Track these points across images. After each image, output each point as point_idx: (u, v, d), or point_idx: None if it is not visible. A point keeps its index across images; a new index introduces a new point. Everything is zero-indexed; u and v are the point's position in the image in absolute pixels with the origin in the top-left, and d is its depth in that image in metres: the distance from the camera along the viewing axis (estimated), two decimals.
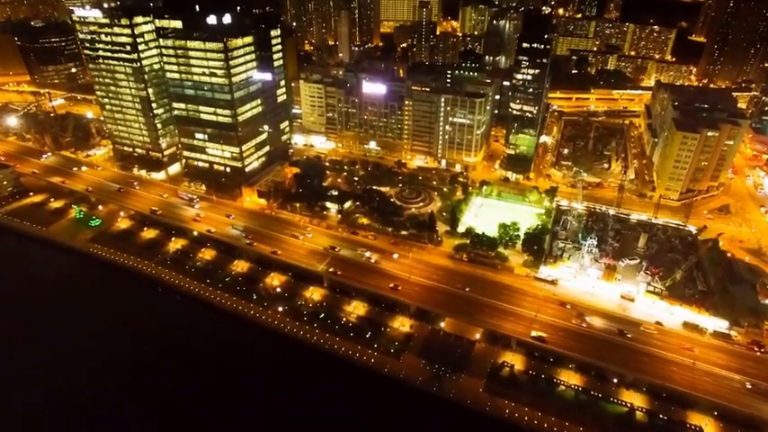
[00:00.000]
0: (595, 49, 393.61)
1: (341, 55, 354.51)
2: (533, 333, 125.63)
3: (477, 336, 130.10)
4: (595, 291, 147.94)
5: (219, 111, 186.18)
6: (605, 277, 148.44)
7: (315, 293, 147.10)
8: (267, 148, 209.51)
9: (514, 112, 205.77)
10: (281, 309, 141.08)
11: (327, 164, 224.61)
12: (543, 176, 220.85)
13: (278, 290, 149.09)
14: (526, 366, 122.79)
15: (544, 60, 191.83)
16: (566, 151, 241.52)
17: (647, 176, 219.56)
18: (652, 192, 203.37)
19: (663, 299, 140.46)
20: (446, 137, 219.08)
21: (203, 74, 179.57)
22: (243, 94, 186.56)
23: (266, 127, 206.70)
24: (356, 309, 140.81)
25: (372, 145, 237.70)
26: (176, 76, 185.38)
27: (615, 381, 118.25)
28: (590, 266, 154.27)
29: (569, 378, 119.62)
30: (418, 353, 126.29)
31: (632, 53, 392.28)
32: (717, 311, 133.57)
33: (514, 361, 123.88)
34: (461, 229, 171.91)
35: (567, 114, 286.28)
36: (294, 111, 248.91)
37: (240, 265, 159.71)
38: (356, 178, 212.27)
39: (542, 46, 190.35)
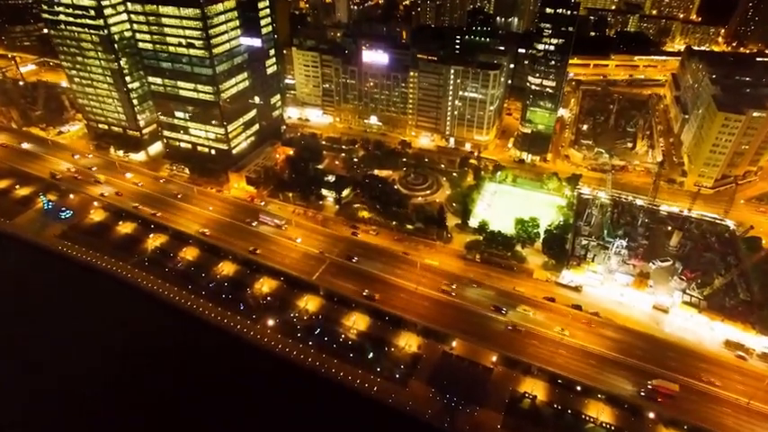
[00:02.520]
0: (614, 7, 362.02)
1: (338, 14, 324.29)
2: None
3: (494, 358, 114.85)
4: (624, 299, 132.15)
5: (200, 87, 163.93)
6: (636, 285, 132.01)
7: (310, 303, 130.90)
8: (256, 127, 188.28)
9: (533, 86, 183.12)
10: (271, 322, 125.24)
11: (324, 142, 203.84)
12: (561, 157, 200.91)
13: (268, 298, 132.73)
14: (550, 397, 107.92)
15: (570, 29, 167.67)
16: (585, 127, 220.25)
17: (676, 158, 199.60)
18: (682, 177, 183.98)
19: (701, 311, 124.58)
20: (455, 113, 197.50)
21: (180, 44, 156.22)
22: (226, 67, 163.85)
23: (257, 99, 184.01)
24: (356, 323, 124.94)
25: (373, 120, 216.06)
26: (149, 46, 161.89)
27: (652, 416, 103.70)
28: (618, 269, 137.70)
29: (599, 413, 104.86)
30: (427, 379, 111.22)
31: (654, 12, 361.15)
32: (765, 328, 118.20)
33: (536, 390, 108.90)
34: (474, 222, 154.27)
35: (585, 83, 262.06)
36: (287, 81, 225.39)
37: (226, 267, 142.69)
38: (355, 159, 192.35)
39: (568, 12, 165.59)
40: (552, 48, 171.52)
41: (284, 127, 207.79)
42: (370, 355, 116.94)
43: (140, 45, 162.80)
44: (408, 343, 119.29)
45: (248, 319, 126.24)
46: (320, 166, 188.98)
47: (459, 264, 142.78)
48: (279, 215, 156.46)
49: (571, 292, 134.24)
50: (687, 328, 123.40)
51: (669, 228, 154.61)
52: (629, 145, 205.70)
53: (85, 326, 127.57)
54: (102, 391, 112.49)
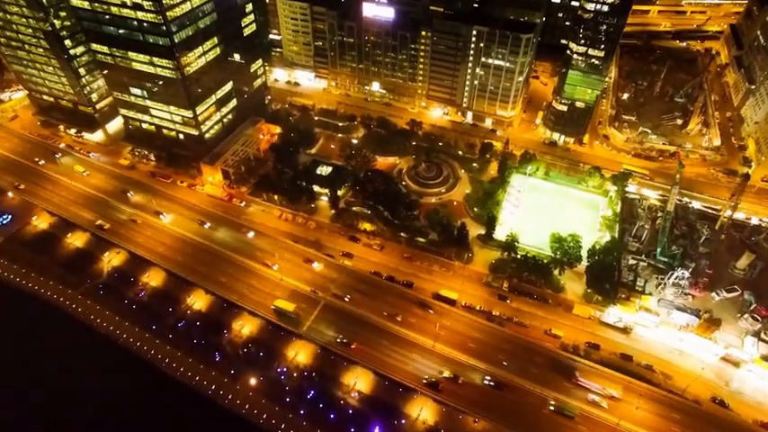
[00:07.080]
0: None
1: None
2: None
3: None
4: (684, 346, 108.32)
5: (157, 60, 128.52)
6: (701, 331, 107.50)
7: (301, 353, 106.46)
8: (234, 103, 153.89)
9: (575, 55, 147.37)
10: (253, 381, 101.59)
11: (317, 117, 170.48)
12: (599, 138, 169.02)
13: (250, 345, 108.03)
14: None
15: None
16: (625, 96, 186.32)
17: (735, 140, 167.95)
18: (746, 167, 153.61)
19: None
20: (475, 82, 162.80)
21: (123, 5, 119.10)
22: (189, 33, 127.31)
23: (236, 56, 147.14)
24: (358, 383, 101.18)
25: (376, 87, 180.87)
26: (86, 5, 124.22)
27: None
28: (674, 302, 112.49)
29: None
30: None
31: None
32: None
33: None
34: (500, 233, 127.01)
35: (623, 36, 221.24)
36: (272, 36, 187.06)
37: (199, 299, 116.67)
38: (355, 141, 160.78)
39: None
40: (606, 8, 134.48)
41: (269, 98, 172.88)
42: (377, 430, 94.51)
43: (73, 3, 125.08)
44: (423, 416, 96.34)
45: (226, 376, 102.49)
46: (312, 151, 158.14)
47: (482, 292, 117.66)
48: (611, 386, 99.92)
49: (618, 335, 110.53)
50: (765, 390, 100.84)
51: (722, 236, 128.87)
52: (679, 122, 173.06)
53: (22, 374, 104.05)
54: None
